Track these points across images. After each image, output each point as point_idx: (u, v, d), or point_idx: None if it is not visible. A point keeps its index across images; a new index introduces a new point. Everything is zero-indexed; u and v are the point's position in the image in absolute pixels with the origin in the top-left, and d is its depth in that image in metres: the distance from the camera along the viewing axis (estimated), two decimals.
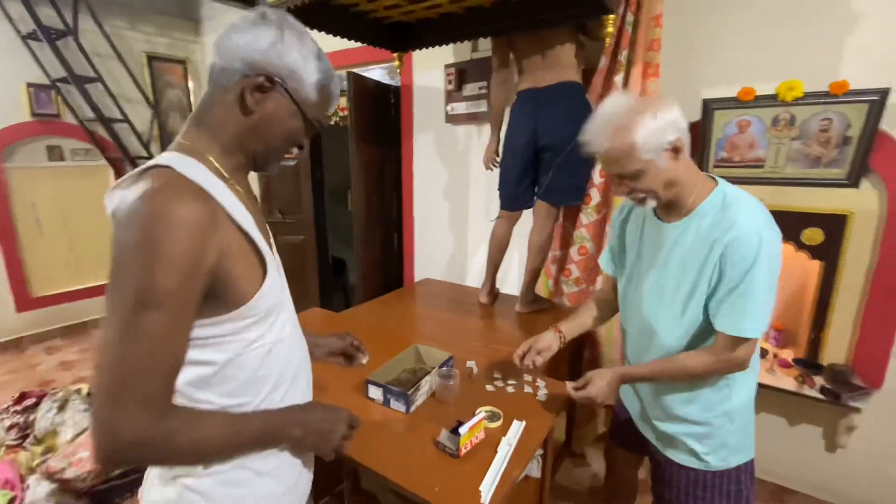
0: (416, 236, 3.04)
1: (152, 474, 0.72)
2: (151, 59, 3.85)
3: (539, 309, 2.04)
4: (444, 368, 1.35)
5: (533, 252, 1.99)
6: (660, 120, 0.92)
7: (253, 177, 3.84)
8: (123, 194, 0.58)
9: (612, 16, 1.69)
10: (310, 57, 0.66)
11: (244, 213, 0.66)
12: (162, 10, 3.86)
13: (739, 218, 0.91)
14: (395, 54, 2.28)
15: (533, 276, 2.02)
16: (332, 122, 3.58)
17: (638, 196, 1.00)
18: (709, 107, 1.81)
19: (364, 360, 1.04)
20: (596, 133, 0.98)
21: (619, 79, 1.78)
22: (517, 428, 1.16)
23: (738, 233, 0.90)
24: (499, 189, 2.05)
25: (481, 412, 1.17)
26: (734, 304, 0.93)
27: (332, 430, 0.73)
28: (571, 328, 1.28)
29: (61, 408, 2.24)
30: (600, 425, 2.10)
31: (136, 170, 0.62)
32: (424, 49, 2.23)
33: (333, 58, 3.14)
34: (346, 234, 3.90)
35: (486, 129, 2.52)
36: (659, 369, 1.06)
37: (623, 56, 1.75)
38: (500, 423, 1.19)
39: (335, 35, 1.96)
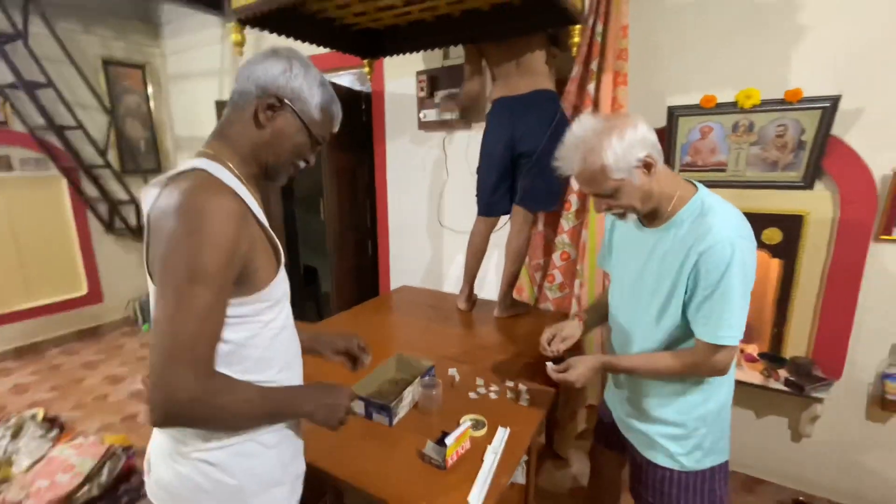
0: (391, 243, 3.02)
1: (158, 455, 0.79)
2: (107, 63, 3.68)
3: (517, 313, 2.06)
4: (427, 378, 1.33)
5: (511, 257, 2.00)
6: (626, 140, 0.93)
7: None
8: (164, 192, 0.70)
9: (577, 26, 1.74)
10: (314, 83, 0.79)
11: (261, 212, 0.77)
12: (118, 14, 3.69)
13: (714, 226, 0.94)
14: (365, 61, 2.26)
15: (511, 282, 2.03)
16: None
17: (617, 211, 1.03)
18: (673, 113, 1.88)
19: (367, 362, 1.09)
20: (566, 156, 1.00)
21: (591, 87, 1.82)
22: (502, 435, 1.16)
23: (712, 241, 0.93)
24: (476, 195, 2.06)
25: (466, 421, 1.16)
26: (710, 311, 0.95)
27: (338, 405, 0.82)
28: (592, 318, 1.30)
29: (15, 435, 2.10)
30: (580, 425, 2.12)
31: (172, 172, 0.73)
32: (395, 56, 2.22)
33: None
34: (317, 242, 3.82)
35: (459, 134, 2.53)
36: (640, 363, 1.08)
37: (594, 65, 1.80)
38: (484, 431, 1.18)
39: (304, 41, 1.92)
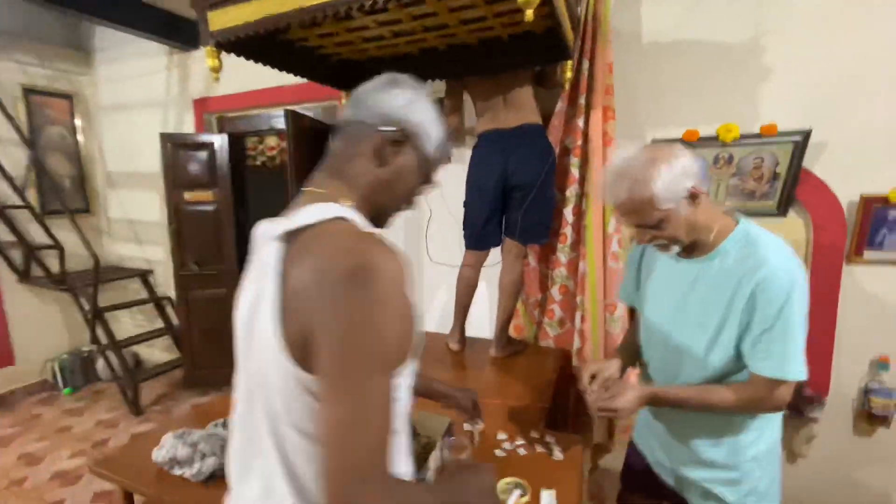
0: None
1: None
2: (29, 92, 3.28)
3: (515, 352, 1.96)
4: (450, 439, 1.19)
5: (505, 293, 1.92)
6: (675, 169, 0.91)
7: (163, 226, 3.36)
8: (300, 249, 0.57)
9: (569, 62, 1.77)
10: (434, 118, 0.72)
11: None
12: (43, 39, 3.33)
13: (769, 256, 0.92)
14: (343, 93, 2.16)
15: (507, 318, 1.95)
16: (259, 164, 3.30)
17: (660, 243, 0.98)
18: None
19: (478, 429, 1.14)
20: (612, 186, 0.96)
21: (580, 121, 1.84)
22: (549, 499, 1.04)
23: (769, 271, 0.90)
24: (464, 229, 1.98)
25: (514, 491, 1.02)
26: (771, 345, 0.92)
27: (490, 486, 0.74)
28: (624, 357, 1.22)
29: None
30: (586, 469, 2.04)
31: (296, 223, 0.58)
32: None
33: (267, 95, 2.91)
34: None
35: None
36: (694, 396, 1.00)
37: (582, 99, 1.82)
38: (527, 497, 1.05)
39: (281, 70, 1.79)
